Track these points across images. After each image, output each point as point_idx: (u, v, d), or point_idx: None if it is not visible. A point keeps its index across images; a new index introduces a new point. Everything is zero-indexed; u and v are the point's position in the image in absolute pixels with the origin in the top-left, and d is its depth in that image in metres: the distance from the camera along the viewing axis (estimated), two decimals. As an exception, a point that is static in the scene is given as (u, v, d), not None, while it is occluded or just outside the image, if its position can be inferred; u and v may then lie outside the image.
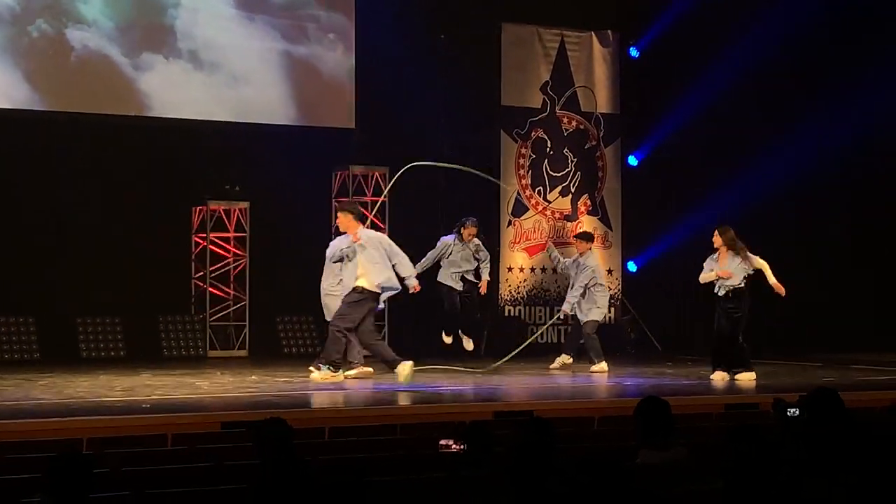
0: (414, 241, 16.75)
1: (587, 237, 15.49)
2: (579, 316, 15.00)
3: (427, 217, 18.14)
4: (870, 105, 17.06)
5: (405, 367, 13.00)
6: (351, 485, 4.90)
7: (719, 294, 13.61)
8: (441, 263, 15.15)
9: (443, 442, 6.00)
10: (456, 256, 15.15)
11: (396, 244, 13.64)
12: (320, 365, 13.15)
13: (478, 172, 15.88)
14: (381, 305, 14.03)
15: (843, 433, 6.25)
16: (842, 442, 6.13)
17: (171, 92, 16.63)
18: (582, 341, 14.95)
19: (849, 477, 4.50)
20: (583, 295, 14.89)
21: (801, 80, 17.97)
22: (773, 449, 5.12)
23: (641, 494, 3.05)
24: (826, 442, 6.23)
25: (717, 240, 13.64)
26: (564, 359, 15.09)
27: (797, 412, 6.59)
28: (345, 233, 13.41)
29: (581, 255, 15.09)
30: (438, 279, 15.16)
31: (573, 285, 15.02)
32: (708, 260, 13.77)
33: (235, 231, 17.22)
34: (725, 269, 13.46)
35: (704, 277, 13.74)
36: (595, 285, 14.93)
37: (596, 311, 14.94)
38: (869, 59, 16.93)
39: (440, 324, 15.35)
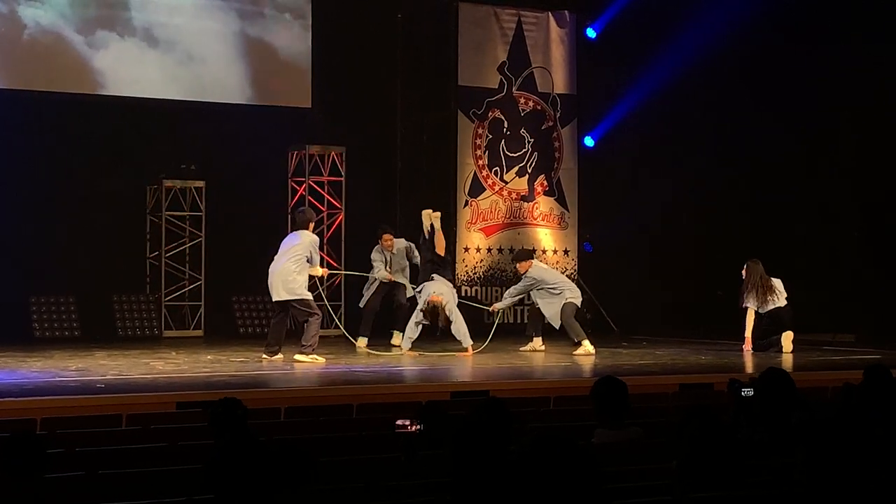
0: (371, 220, 16.77)
1: (525, 256, 15.53)
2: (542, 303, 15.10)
3: (384, 197, 18.14)
4: (821, 83, 17.19)
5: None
6: (301, 464, 4.89)
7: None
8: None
9: (399, 422, 6.01)
10: (395, 266, 15.39)
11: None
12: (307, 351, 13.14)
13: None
14: None
15: (792, 412, 6.31)
16: (791, 421, 6.19)
17: (126, 70, 16.51)
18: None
19: (797, 457, 4.54)
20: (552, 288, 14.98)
21: (756, 61, 18.06)
22: (726, 428, 5.16)
23: (596, 473, 3.06)
24: (777, 421, 6.29)
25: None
26: (536, 343, 15.06)
27: (751, 392, 6.64)
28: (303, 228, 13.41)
29: (524, 273, 15.09)
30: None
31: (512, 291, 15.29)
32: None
33: (191, 210, 17.13)
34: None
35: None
36: (542, 290, 14.97)
37: (561, 299, 14.97)
38: (823, 36, 17.03)
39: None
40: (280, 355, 13.25)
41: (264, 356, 13.21)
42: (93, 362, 12.85)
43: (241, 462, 4.63)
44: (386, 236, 15.40)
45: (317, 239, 13.70)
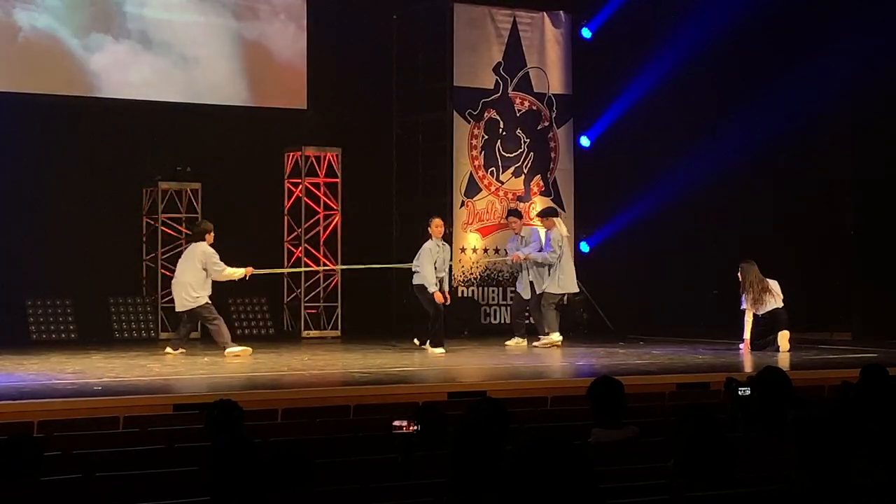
0: (367, 221, 16.79)
1: (551, 212, 15.94)
2: (536, 288, 15.24)
3: (380, 198, 18.15)
4: (816, 84, 17.19)
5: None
6: (298, 466, 4.89)
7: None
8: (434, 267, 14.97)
9: (396, 422, 6.00)
10: (440, 260, 15.08)
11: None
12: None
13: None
14: None
15: (789, 410, 6.31)
16: (788, 420, 6.20)
17: (121, 72, 16.50)
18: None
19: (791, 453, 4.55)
20: (550, 267, 15.17)
21: (751, 61, 18.06)
22: (722, 428, 5.16)
23: (591, 472, 3.06)
24: (774, 420, 6.30)
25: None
26: (518, 341, 15.12)
27: (748, 391, 6.65)
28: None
29: (549, 230, 15.54)
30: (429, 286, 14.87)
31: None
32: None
33: (187, 212, 17.13)
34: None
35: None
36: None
37: (555, 285, 15.27)
38: (817, 34, 17.04)
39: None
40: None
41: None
42: (89, 365, 12.84)
43: (239, 464, 4.63)
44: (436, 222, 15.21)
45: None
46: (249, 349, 13.84)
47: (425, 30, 18.43)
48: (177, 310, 14.23)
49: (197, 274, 13.94)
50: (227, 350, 13.70)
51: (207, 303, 13.99)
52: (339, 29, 17.58)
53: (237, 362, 13.25)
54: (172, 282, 14.33)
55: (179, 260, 14.41)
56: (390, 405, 9.13)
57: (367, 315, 17.60)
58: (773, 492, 4.97)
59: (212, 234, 14.18)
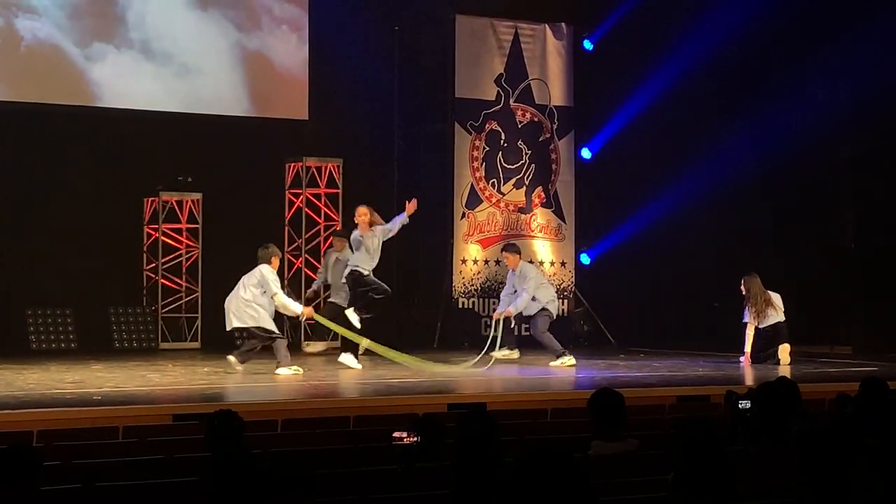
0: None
1: (513, 249, 15.47)
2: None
3: (381, 209, 18.12)
4: (816, 98, 17.22)
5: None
6: (298, 477, 4.89)
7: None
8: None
9: (396, 434, 6.00)
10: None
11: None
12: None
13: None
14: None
15: (794, 422, 6.30)
16: (792, 431, 6.19)
17: (123, 82, 16.51)
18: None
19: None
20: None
21: (751, 74, 18.09)
22: (723, 441, 5.15)
23: (590, 485, 3.06)
24: (777, 432, 6.29)
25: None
26: (508, 352, 15.05)
27: (748, 404, 6.64)
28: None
29: (513, 269, 15.14)
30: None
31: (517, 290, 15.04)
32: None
33: (188, 222, 17.14)
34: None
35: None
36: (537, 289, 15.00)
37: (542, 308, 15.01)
38: (816, 49, 17.06)
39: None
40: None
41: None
42: (89, 374, 12.83)
43: (238, 475, 4.62)
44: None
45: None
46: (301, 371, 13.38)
47: (427, 41, 18.45)
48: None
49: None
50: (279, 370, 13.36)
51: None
52: (340, 40, 17.59)
53: (235, 373, 13.22)
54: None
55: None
56: (390, 416, 9.12)
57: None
58: (773, 505, 4.96)
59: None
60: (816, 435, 4.67)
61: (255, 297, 13.46)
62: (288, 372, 13.13)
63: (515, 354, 15.16)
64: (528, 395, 11.45)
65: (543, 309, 14.91)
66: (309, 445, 7.83)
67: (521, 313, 14.96)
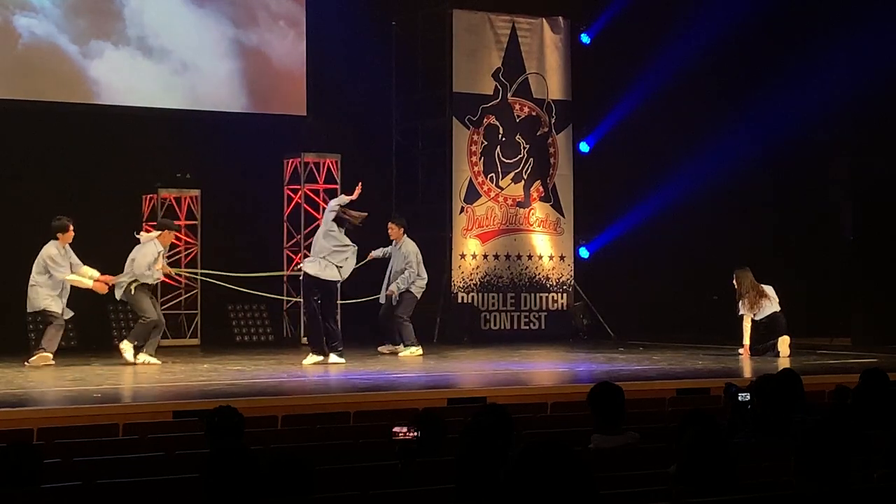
0: (367, 227, 16.74)
1: (401, 221, 15.46)
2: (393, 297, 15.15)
3: (380, 204, 18.12)
4: (816, 89, 17.20)
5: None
6: (298, 472, 4.89)
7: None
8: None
9: (396, 429, 6.00)
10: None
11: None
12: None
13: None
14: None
15: (795, 414, 6.31)
16: (793, 422, 6.20)
17: (120, 79, 16.51)
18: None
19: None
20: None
21: (750, 67, 18.08)
22: (723, 433, 5.16)
23: (590, 478, 3.07)
24: (777, 424, 6.30)
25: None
26: (393, 347, 15.05)
27: (748, 397, 6.65)
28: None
29: (396, 241, 15.27)
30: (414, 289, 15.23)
31: (394, 270, 15.19)
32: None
33: (186, 219, 17.13)
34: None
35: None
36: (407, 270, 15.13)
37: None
38: (815, 40, 17.05)
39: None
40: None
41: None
42: (89, 372, 12.84)
43: (239, 471, 4.62)
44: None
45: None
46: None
47: (425, 36, 18.44)
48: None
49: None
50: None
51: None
52: (338, 35, 17.58)
53: (235, 369, 13.23)
54: None
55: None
56: (390, 411, 9.12)
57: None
58: (773, 497, 4.97)
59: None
60: (816, 427, 4.68)
61: (35, 279, 13.66)
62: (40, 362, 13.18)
63: (419, 351, 15.04)
64: (528, 389, 11.46)
65: (413, 290, 15.10)
66: (309, 441, 7.83)
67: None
